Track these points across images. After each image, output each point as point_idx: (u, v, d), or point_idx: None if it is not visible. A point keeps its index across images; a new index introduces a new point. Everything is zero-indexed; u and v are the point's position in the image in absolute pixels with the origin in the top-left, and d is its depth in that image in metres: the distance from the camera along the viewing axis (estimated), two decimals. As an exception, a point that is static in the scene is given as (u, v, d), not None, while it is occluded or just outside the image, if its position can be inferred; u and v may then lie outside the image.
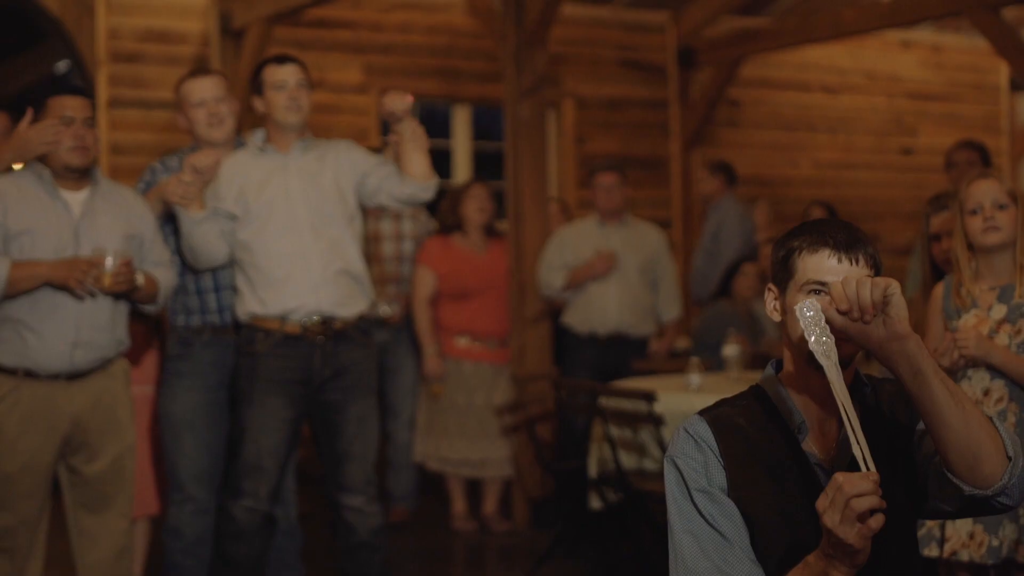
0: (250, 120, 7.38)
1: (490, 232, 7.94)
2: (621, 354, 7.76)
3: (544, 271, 7.84)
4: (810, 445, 2.86)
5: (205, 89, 5.65)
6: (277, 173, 5.47)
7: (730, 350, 6.83)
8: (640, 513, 6.48)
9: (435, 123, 11.41)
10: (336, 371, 5.46)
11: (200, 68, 5.80)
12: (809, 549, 2.67)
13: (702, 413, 2.93)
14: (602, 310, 7.83)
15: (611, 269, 7.77)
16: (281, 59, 5.55)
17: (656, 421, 5.91)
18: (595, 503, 6.65)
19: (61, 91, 5.23)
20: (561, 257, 7.85)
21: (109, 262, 4.92)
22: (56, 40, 9.94)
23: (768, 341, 8.45)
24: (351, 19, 10.52)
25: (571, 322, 7.93)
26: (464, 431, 7.84)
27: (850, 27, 10.55)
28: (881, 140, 12.85)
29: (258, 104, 5.53)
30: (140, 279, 5.10)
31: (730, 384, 6.55)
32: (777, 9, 11.94)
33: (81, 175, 5.11)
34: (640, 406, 6.05)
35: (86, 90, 5.65)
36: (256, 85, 5.52)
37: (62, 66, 11.33)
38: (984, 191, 4.43)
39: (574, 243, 7.89)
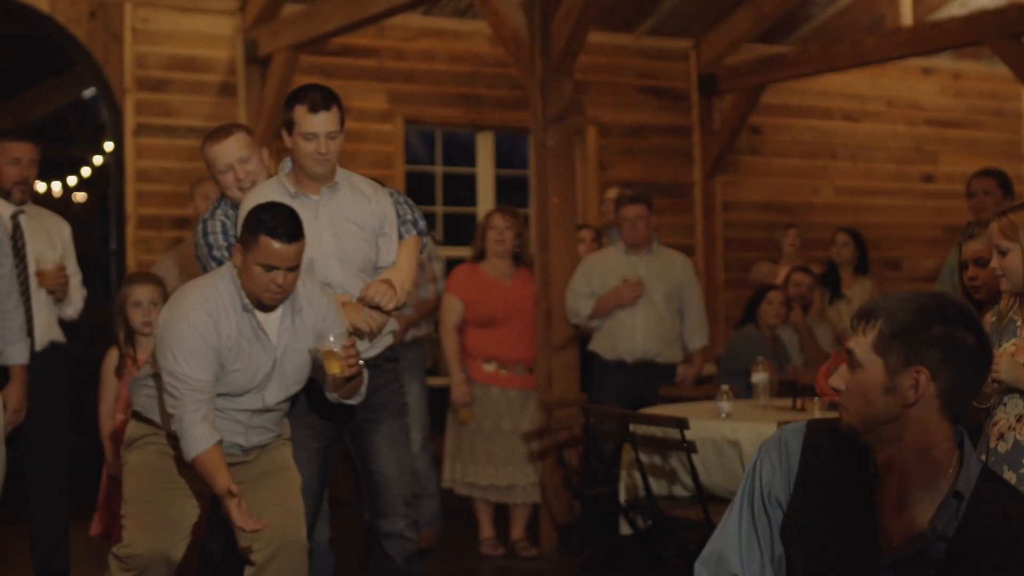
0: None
1: (517, 259, 7.98)
2: (648, 381, 7.78)
3: (571, 299, 7.87)
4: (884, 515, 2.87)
5: (229, 153, 5.45)
6: (310, 222, 5.21)
7: (758, 377, 6.84)
8: (670, 540, 6.49)
9: (458, 150, 11.47)
10: (365, 395, 5.43)
11: (220, 129, 5.59)
12: None
13: (811, 423, 2.98)
14: (629, 337, 7.85)
15: (638, 297, 7.79)
16: (315, 106, 5.22)
17: (688, 448, 5.93)
18: (625, 529, 6.66)
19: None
20: (588, 285, 7.88)
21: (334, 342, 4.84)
22: (83, 67, 9.99)
23: (793, 368, 8.48)
24: (375, 47, 10.58)
25: (598, 349, 7.95)
26: (491, 457, 7.87)
27: (871, 55, 10.62)
28: (902, 167, 12.87)
29: (287, 140, 5.32)
30: None
31: (758, 412, 6.58)
32: (798, 37, 11.98)
33: None
34: (671, 433, 6.07)
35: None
36: (287, 120, 5.29)
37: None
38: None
39: (601, 271, 7.91)
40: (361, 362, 4.93)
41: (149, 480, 5.03)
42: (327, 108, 5.22)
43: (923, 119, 13.03)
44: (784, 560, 2.89)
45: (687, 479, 6.39)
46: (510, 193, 11.37)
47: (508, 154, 11.70)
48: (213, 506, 5.90)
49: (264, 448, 5.08)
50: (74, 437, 6.84)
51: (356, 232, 5.37)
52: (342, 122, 5.30)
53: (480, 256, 7.92)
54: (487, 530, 8.06)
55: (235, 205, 5.55)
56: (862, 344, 2.80)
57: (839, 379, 2.85)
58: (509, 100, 10.91)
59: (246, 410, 4.93)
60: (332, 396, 5.09)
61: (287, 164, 5.43)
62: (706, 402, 7.00)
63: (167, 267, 7.26)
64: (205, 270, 5.47)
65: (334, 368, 4.80)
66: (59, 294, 6.52)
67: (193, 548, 6.30)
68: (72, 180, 13.52)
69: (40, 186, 8.98)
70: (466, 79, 10.86)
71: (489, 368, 7.83)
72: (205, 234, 5.57)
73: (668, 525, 6.31)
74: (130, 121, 9.88)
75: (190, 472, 4.88)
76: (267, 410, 4.98)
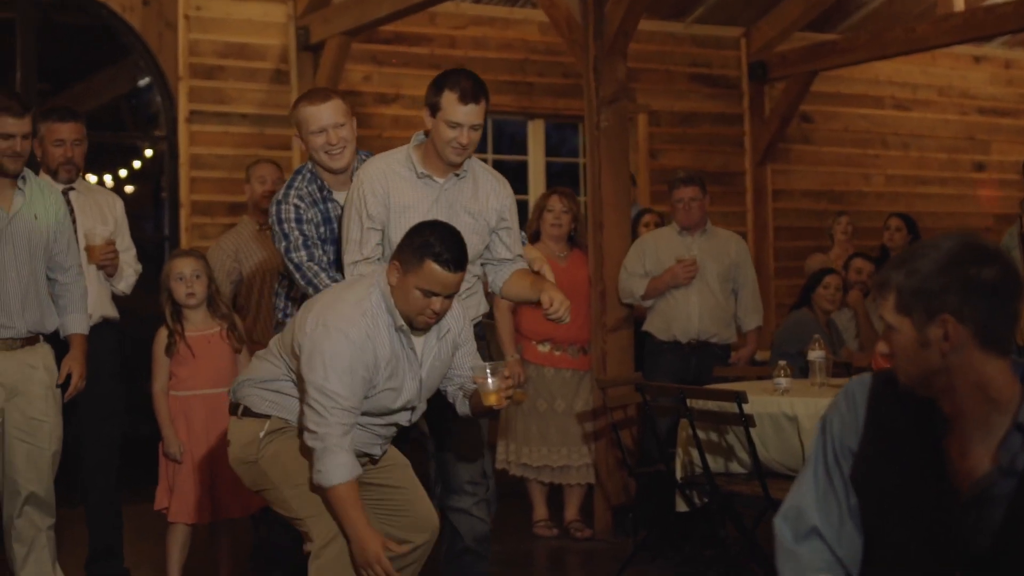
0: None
1: (571, 241, 7.99)
2: (702, 361, 7.77)
3: (625, 279, 7.87)
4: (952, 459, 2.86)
5: (325, 116, 5.46)
6: (427, 205, 5.28)
7: (815, 355, 6.81)
8: (727, 516, 6.48)
9: (508, 139, 11.50)
10: None
11: (318, 91, 5.62)
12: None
13: (876, 373, 3.00)
14: (684, 317, 7.84)
15: (693, 276, 7.78)
16: (465, 96, 5.17)
17: (747, 422, 5.92)
18: (681, 506, 6.66)
19: None
20: (642, 265, 7.87)
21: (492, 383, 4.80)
22: (137, 54, 10.06)
23: (847, 351, 8.45)
24: (427, 34, 10.62)
25: (652, 329, 7.94)
26: (545, 437, 7.88)
27: (923, 41, 10.56)
28: (953, 156, 12.81)
29: (427, 120, 5.23)
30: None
31: (815, 389, 6.56)
32: (849, 25, 11.95)
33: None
34: (728, 408, 6.07)
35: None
36: (432, 102, 5.20)
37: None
38: None
39: (655, 251, 7.91)
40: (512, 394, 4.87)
41: (295, 460, 4.76)
42: (476, 101, 5.20)
43: (974, 107, 12.97)
44: (858, 509, 2.90)
45: (744, 455, 6.38)
46: (559, 182, 11.38)
47: (556, 144, 11.72)
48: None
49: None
50: (126, 417, 6.88)
51: (471, 224, 5.34)
52: (486, 114, 5.30)
53: (534, 237, 7.92)
54: (541, 511, 8.07)
55: (313, 180, 5.59)
56: (887, 309, 2.82)
57: (883, 346, 2.88)
58: (560, 88, 10.93)
59: (391, 424, 4.86)
60: (462, 410, 5.07)
61: (418, 137, 5.39)
62: (760, 382, 6.98)
63: (223, 249, 7.31)
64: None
65: (491, 401, 4.75)
66: (109, 269, 6.56)
67: (247, 528, 6.38)
68: (123, 173, 13.60)
69: (91, 179, 9.01)
70: (517, 67, 10.88)
71: (543, 349, 7.84)
72: (279, 221, 5.53)
73: (725, 501, 6.30)
74: (183, 108, 9.95)
75: None
76: (400, 427, 4.93)
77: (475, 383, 4.85)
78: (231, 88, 10.10)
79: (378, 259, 5.28)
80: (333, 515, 4.61)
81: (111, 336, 6.65)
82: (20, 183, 5.63)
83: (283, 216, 5.50)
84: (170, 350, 6.29)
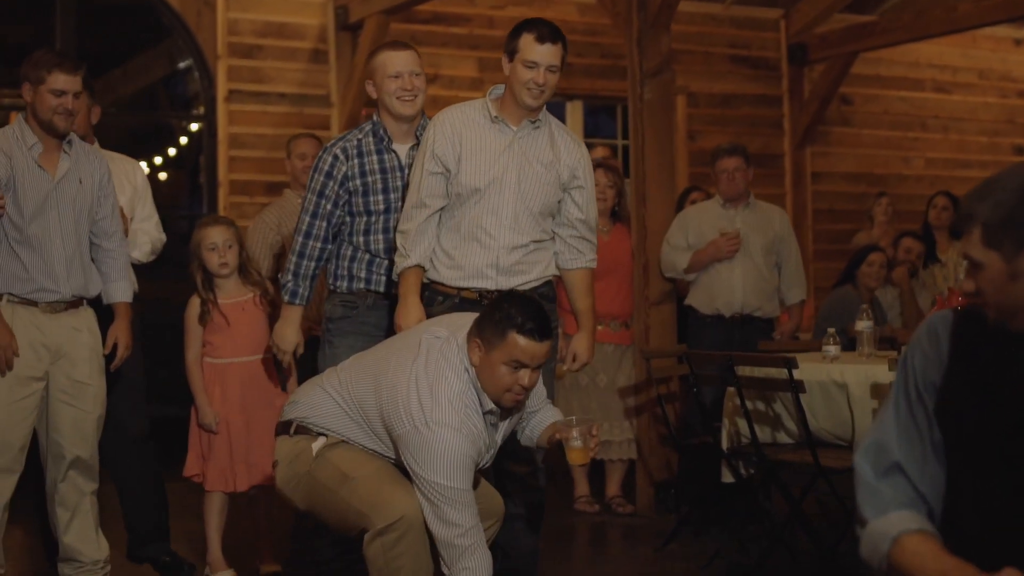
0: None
1: (614, 215, 7.94)
2: (746, 335, 7.68)
3: (667, 252, 7.81)
4: None
5: (405, 62, 5.56)
6: (499, 151, 5.29)
7: (863, 325, 6.73)
8: (775, 485, 6.42)
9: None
10: None
11: (396, 41, 5.75)
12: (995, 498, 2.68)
13: (956, 309, 2.93)
14: (727, 291, 7.75)
15: (736, 249, 7.71)
16: (543, 36, 5.25)
17: (796, 388, 5.86)
18: (727, 477, 6.60)
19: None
20: (684, 238, 7.81)
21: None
22: (177, 35, 10.06)
23: (890, 328, 8.38)
24: (466, 14, 10.58)
25: (695, 303, 7.87)
26: (587, 412, 7.80)
27: (964, 21, 10.47)
28: (993, 139, 12.72)
29: (505, 68, 5.30)
30: None
31: (863, 360, 6.49)
32: (889, 7, 11.87)
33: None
34: (778, 374, 6.00)
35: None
36: (510, 48, 5.28)
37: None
38: None
39: (697, 224, 7.84)
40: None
41: (351, 460, 4.66)
42: (553, 42, 5.24)
43: (1015, 91, 12.88)
44: (943, 443, 2.83)
45: (791, 425, 6.32)
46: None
47: (592, 130, 11.65)
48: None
49: None
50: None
51: (543, 174, 5.35)
52: (564, 61, 5.31)
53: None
54: (582, 487, 8.02)
55: (375, 130, 5.65)
56: (973, 245, 2.75)
57: (968, 284, 2.81)
58: (598, 69, 10.87)
59: None
60: (527, 442, 5.01)
61: (495, 90, 5.44)
62: (809, 353, 6.91)
63: (266, 223, 7.28)
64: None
65: (576, 459, 4.65)
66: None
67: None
68: (159, 160, 13.61)
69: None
70: (555, 47, 10.80)
71: (585, 322, 7.77)
72: (314, 169, 5.71)
73: (773, 470, 6.24)
74: (222, 88, 9.94)
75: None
76: None
77: (558, 437, 4.71)
78: (270, 67, 10.08)
79: (438, 210, 5.33)
80: None
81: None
82: (66, 147, 5.60)
83: (318, 165, 5.67)
84: (204, 319, 6.24)
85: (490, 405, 4.54)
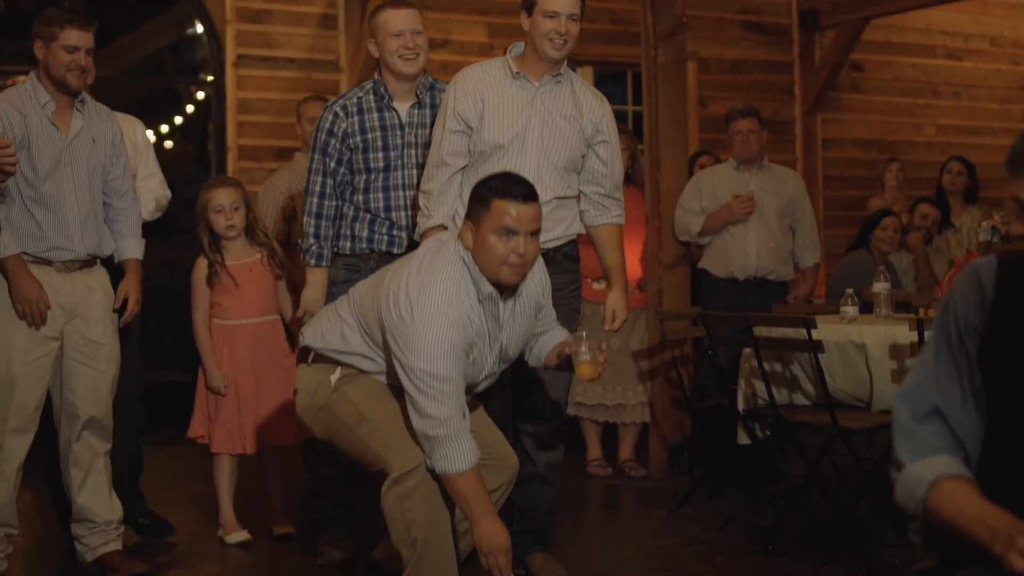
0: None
1: (629, 178, 7.88)
2: (760, 298, 7.63)
3: (681, 216, 7.76)
4: None
5: (404, 20, 5.55)
6: (522, 106, 5.26)
7: (880, 287, 6.69)
8: (793, 447, 6.38)
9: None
10: None
11: (397, 0, 5.67)
12: None
13: (1003, 254, 2.88)
14: (741, 254, 7.70)
15: (750, 212, 7.65)
16: None
17: (815, 348, 5.81)
18: (743, 439, 6.56)
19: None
20: (698, 201, 7.76)
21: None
22: (187, 1, 10.00)
23: (904, 293, 8.34)
24: (476, -22, 10.52)
25: (709, 266, 7.81)
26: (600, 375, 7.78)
27: (977, -15, 10.41)
28: (1005, 106, 12.66)
29: (524, 22, 5.26)
30: None
31: (880, 321, 6.45)
32: (901, -29, 11.79)
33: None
34: (796, 335, 5.96)
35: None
36: (527, 1, 5.23)
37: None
38: None
39: (711, 187, 7.79)
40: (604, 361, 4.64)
41: (368, 398, 4.63)
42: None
43: (1027, 57, 12.81)
44: (984, 388, 2.79)
45: (808, 387, 6.29)
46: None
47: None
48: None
49: None
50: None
51: (566, 129, 5.32)
52: (583, 10, 5.29)
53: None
54: (595, 450, 8.00)
55: (376, 89, 5.63)
56: (1022, 187, 2.71)
57: (1017, 227, 2.77)
58: (608, 34, 10.81)
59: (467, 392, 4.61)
60: (536, 364, 4.97)
61: (515, 48, 5.39)
62: (826, 315, 6.87)
63: (277, 187, 7.25)
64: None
65: (585, 372, 4.56)
66: None
67: (298, 457, 6.30)
68: (165, 128, 13.56)
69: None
70: (565, 12, 10.74)
71: (599, 286, 7.71)
72: (317, 129, 5.73)
73: (790, 431, 6.21)
74: (231, 52, 9.89)
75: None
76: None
77: (567, 351, 4.66)
78: (278, 32, 10.02)
79: (459, 169, 5.31)
80: (458, 502, 4.39)
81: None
82: (79, 105, 5.56)
83: (320, 124, 5.68)
84: (211, 280, 6.21)
85: (488, 289, 4.46)
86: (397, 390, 4.55)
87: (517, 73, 5.29)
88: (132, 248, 5.79)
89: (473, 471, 4.34)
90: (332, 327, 4.74)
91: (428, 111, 5.66)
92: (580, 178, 5.45)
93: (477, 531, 4.34)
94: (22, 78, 6.17)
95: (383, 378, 4.66)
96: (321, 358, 4.75)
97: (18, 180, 5.36)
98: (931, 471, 2.75)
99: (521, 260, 4.40)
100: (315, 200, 5.66)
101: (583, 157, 5.41)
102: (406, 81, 5.61)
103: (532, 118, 5.26)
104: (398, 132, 5.63)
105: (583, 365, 4.55)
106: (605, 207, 5.50)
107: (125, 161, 5.79)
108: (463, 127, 5.24)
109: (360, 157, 5.61)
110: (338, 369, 4.70)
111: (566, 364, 4.72)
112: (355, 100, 5.65)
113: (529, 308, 4.69)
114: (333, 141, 5.61)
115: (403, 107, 5.65)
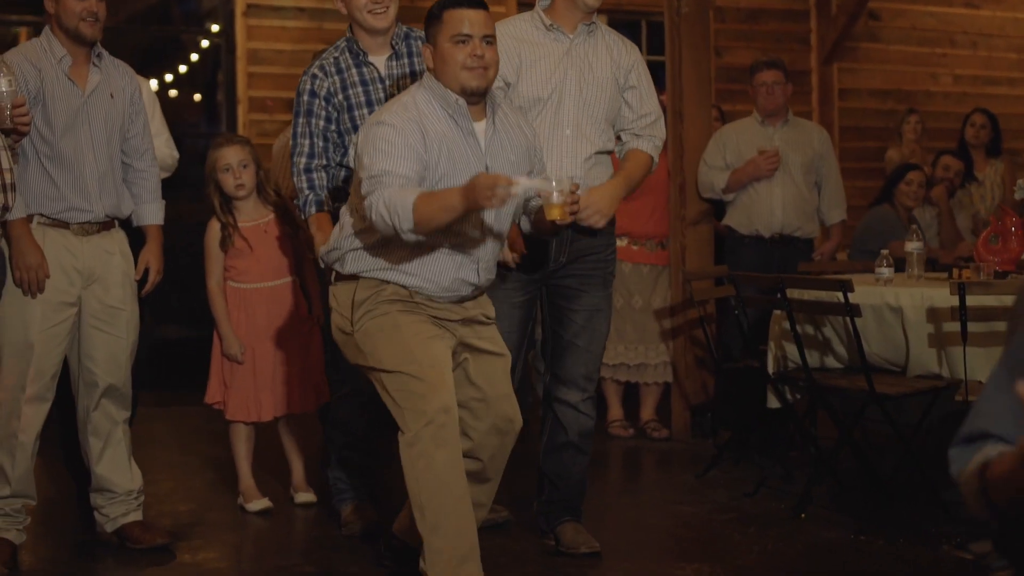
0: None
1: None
2: (786, 256, 7.47)
3: (704, 172, 7.60)
4: None
5: None
6: (558, 58, 5.17)
7: (913, 246, 6.54)
8: (826, 411, 6.25)
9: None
10: (573, 257, 5.21)
11: None
12: None
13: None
14: (766, 210, 7.52)
15: (775, 168, 7.48)
16: None
17: (852, 311, 5.67)
18: (773, 403, 6.43)
19: None
20: (722, 157, 7.59)
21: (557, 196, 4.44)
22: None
23: (929, 248, 8.19)
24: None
25: (733, 223, 7.64)
26: (622, 335, 7.66)
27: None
28: (1023, 56, 12.46)
29: None
30: None
31: (913, 282, 6.30)
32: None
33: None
34: (829, 298, 5.82)
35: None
36: None
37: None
38: None
39: (735, 142, 7.61)
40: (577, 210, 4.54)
41: (391, 341, 4.48)
42: None
43: (1045, 6, 12.61)
44: None
45: (841, 350, 6.15)
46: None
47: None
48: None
49: (478, 301, 4.69)
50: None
51: (603, 79, 5.22)
52: None
53: (611, 129, 7.67)
54: (616, 411, 7.88)
55: (349, 47, 5.49)
56: None
57: None
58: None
59: (474, 239, 4.50)
60: (527, 229, 4.87)
61: (543, 1, 5.29)
62: (857, 274, 6.72)
63: (287, 144, 7.07)
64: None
65: (554, 214, 4.41)
66: None
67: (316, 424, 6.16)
68: (169, 77, 13.39)
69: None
70: (579, -40, 10.56)
71: (621, 244, 7.57)
72: (298, 92, 5.53)
73: (823, 395, 6.07)
74: (240, 2, 9.70)
75: (426, 313, 4.52)
76: (492, 236, 4.57)
77: (539, 197, 4.56)
78: (288, -18, 9.84)
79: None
80: (439, 218, 4.20)
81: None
82: (95, 60, 5.38)
83: (300, 87, 5.50)
84: (225, 244, 6.05)
85: (453, 98, 4.43)
86: (412, 312, 4.49)
87: (551, 25, 5.20)
88: (153, 214, 5.62)
89: (423, 195, 4.20)
90: (344, 229, 4.63)
91: (407, 60, 5.54)
92: (616, 126, 5.32)
93: (465, 194, 4.13)
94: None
95: (383, 273, 4.54)
96: (340, 276, 4.63)
97: (33, 138, 5.18)
98: (982, 456, 2.55)
99: (479, 62, 4.42)
100: (303, 160, 5.43)
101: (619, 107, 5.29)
102: (379, 35, 5.47)
103: (569, 70, 5.17)
104: (379, 86, 5.49)
105: (552, 208, 4.40)
106: (637, 136, 5.35)
107: (144, 119, 5.62)
108: (500, 84, 5.09)
109: (346, 116, 5.45)
110: (355, 287, 4.55)
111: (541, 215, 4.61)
112: (332, 60, 5.48)
113: (517, 142, 4.63)
114: (318, 101, 5.43)
115: (380, 60, 5.50)
